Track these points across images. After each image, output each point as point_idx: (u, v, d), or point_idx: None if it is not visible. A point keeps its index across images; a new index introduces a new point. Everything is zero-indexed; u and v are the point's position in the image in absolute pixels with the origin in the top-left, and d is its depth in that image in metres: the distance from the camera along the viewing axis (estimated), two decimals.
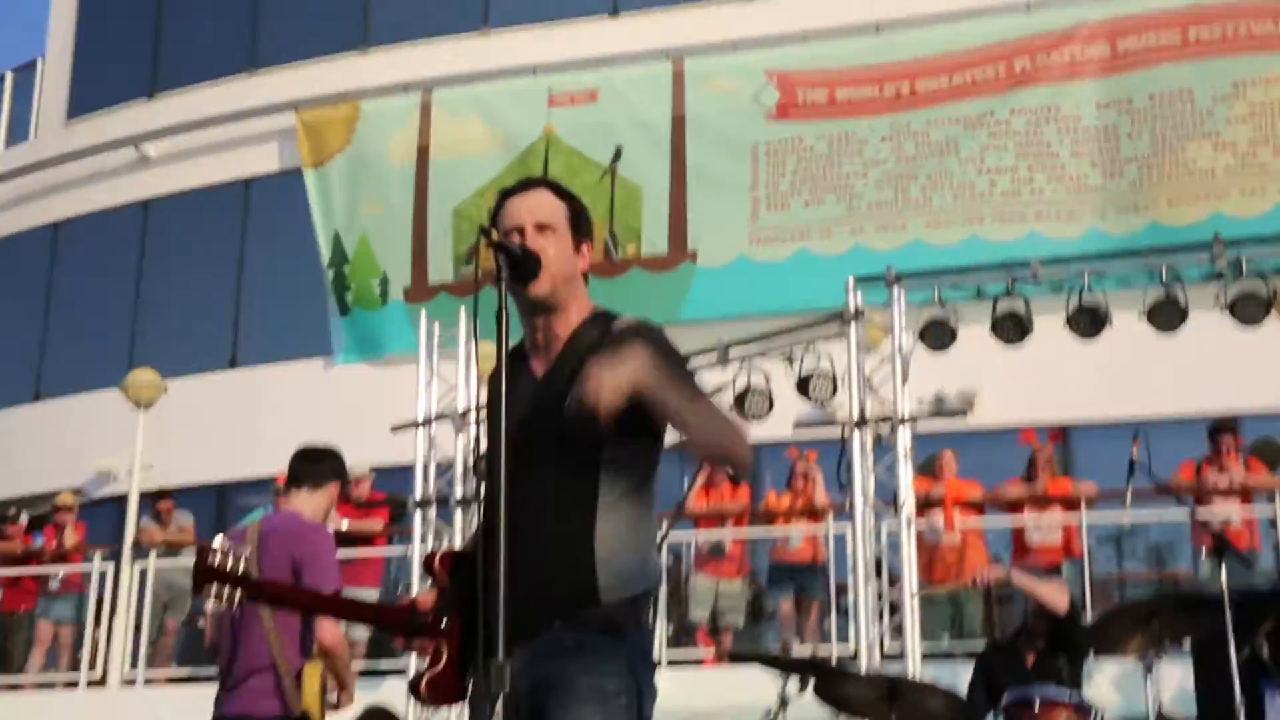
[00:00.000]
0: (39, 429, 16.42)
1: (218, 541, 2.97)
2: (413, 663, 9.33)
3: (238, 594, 2.89)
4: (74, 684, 11.96)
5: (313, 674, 5.17)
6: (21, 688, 12.27)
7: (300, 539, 5.22)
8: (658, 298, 13.51)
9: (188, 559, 12.63)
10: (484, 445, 2.86)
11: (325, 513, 5.45)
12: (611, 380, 2.80)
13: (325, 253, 15.40)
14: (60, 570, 12.39)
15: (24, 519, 12.94)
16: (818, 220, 13.94)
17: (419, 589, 8.61)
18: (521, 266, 2.98)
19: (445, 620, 3.01)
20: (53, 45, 18.45)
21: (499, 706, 2.64)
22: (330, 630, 5.27)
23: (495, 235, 2.90)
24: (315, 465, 5.53)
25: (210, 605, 2.89)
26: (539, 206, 3.11)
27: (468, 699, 2.91)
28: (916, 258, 12.14)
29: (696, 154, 14.47)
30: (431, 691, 2.99)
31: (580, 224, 3.15)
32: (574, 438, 2.96)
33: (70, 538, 12.56)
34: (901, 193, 13.80)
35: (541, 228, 3.08)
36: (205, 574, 2.90)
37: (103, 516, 14.21)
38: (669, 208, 14.42)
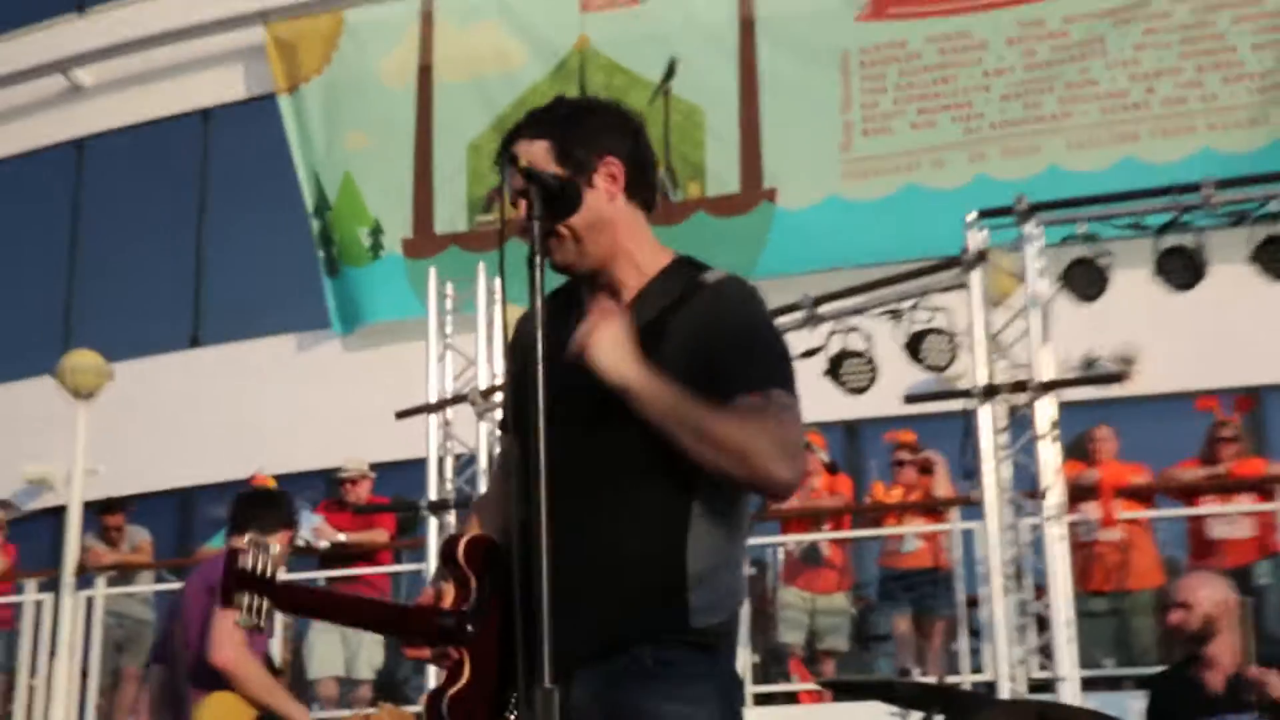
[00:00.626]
0: None
1: (246, 538, 2.99)
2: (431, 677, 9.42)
3: (265, 606, 2.88)
4: None
5: (215, 707, 5.31)
6: None
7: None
8: (729, 248, 13.54)
9: (145, 585, 12.77)
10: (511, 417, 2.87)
11: None
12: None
13: (309, 199, 15.51)
14: None
15: None
16: (928, 146, 13.94)
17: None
18: (558, 200, 2.95)
19: (472, 626, 3.00)
20: None
21: None
22: (223, 651, 5.51)
23: (523, 161, 2.89)
24: (262, 512, 5.85)
25: (238, 620, 2.90)
26: (516, 165, 3.03)
27: None
28: (1054, 188, 12.06)
29: (771, 66, 14.48)
30: (455, 714, 2.96)
31: (571, 152, 3.06)
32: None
33: None
34: (1033, 108, 13.77)
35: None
36: (240, 579, 2.88)
37: (36, 535, 14.40)
38: (739, 135, 14.45)
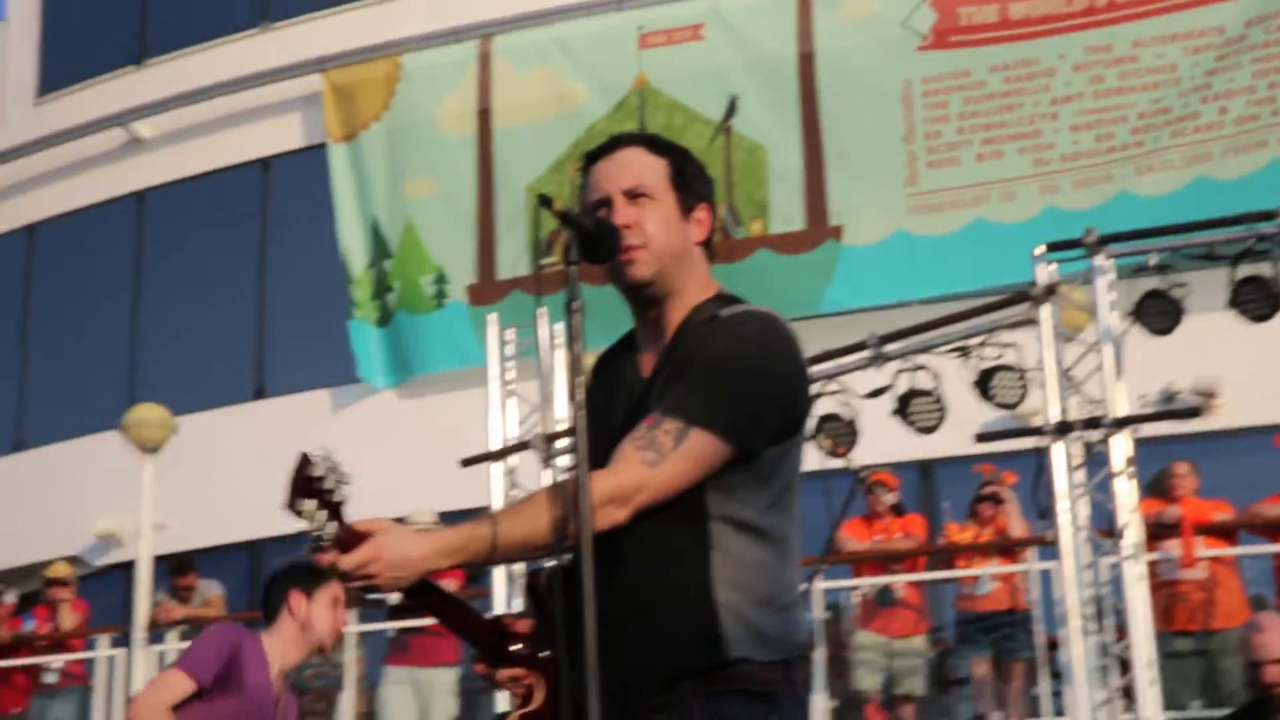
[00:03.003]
0: (22, 486, 16.83)
1: (320, 450, 2.96)
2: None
3: (330, 527, 2.89)
4: None
5: None
6: None
7: None
8: (793, 285, 13.54)
9: None
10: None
11: (289, 652, 5.59)
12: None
13: (358, 247, 15.58)
14: (58, 660, 12.66)
15: (10, 598, 13.24)
16: (996, 179, 13.87)
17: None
18: (597, 242, 2.99)
19: (545, 652, 3.05)
20: (14, 9, 18.94)
21: None
22: (140, 707, 5.29)
23: (558, 205, 2.93)
24: (267, 598, 5.70)
25: (303, 525, 2.89)
26: (627, 168, 3.14)
27: None
28: (1124, 216, 12.02)
29: (832, 100, 14.48)
30: None
31: (687, 181, 3.17)
32: None
33: (68, 618, 12.82)
34: (1105, 139, 13.66)
35: (633, 195, 3.12)
36: (303, 486, 2.90)
37: (107, 590, 14.52)
38: (802, 172, 14.45)
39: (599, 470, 2.90)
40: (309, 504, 2.88)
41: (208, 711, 5.33)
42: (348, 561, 2.84)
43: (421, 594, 2.99)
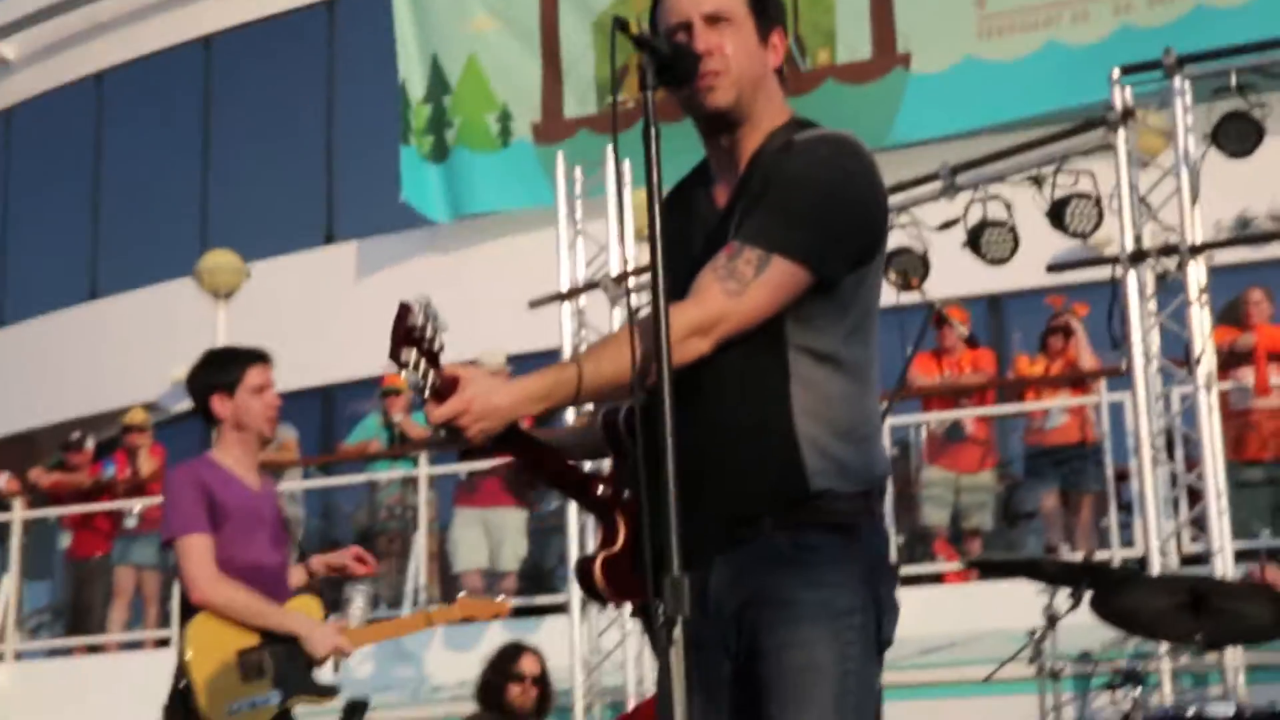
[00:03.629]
0: (98, 334, 17.05)
1: (418, 299, 2.92)
2: (575, 590, 9.54)
3: (431, 376, 2.84)
4: (165, 642, 12.46)
5: (200, 630, 5.27)
6: (104, 649, 12.86)
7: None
8: (861, 116, 13.36)
9: (293, 482, 13.03)
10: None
11: (241, 455, 5.50)
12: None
13: (417, 81, 15.44)
14: (137, 504, 12.84)
15: (89, 445, 13.46)
16: None
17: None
18: (674, 68, 2.97)
19: (626, 492, 3.07)
20: None
21: (678, 633, 2.67)
22: (198, 590, 5.27)
23: (634, 28, 2.87)
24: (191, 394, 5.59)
25: (403, 375, 2.86)
26: None
27: (649, 620, 2.92)
28: (1200, 33, 11.75)
29: None
30: (608, 578, 3.03)
31: (765, 6, 3.13)
32: None
33: (147, 464, 13.01)
34: None
35: (713, 20, 3.06)
36: (405, 335, 2.85)
37: (184, 436, 14.69)
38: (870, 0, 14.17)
39: (680, 302, 2.88)
40: (411, 353, 2.84)
41: (220, 548, 5.34)
42: (438, 415, 2.81)
43: (509, 441, 2.98)
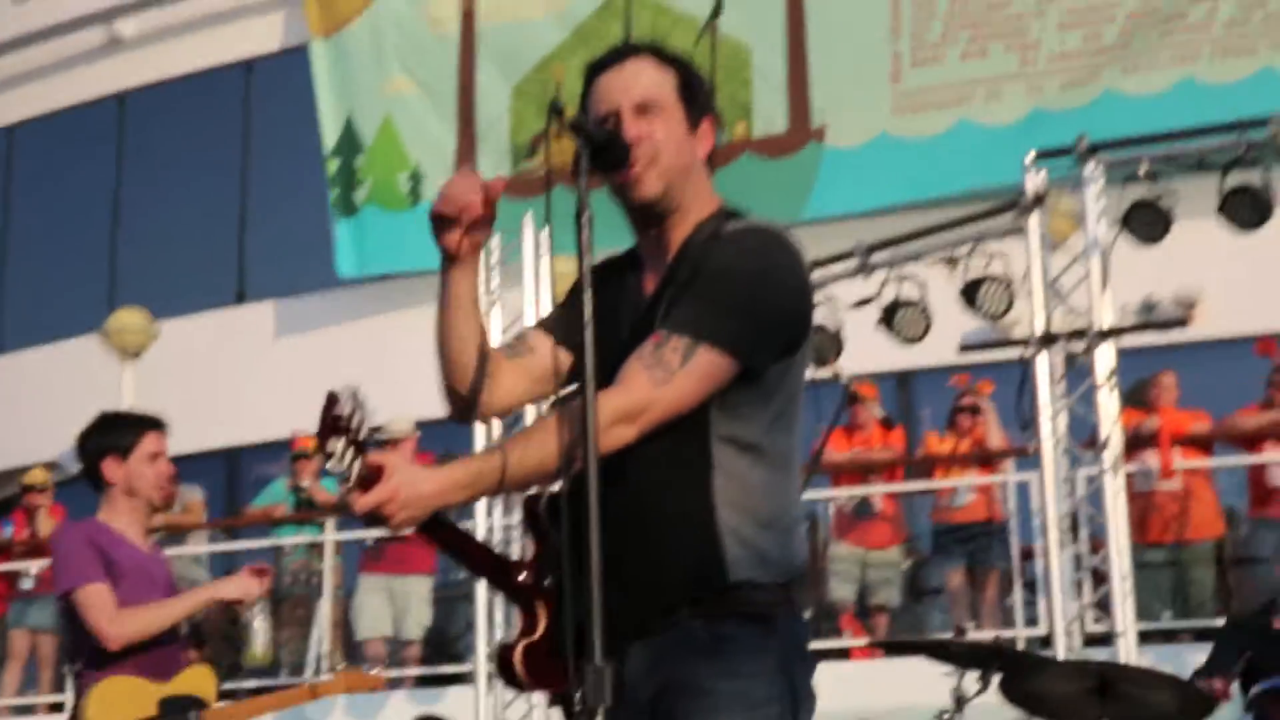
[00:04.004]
0: (0, 390, 16.75)
1: (346, 388, 2.92)
2: (481, 659, 9.47)
3: (356, 466, 2.82)
4: (59, 707, 12.26)
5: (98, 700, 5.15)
6: None
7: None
8: (776, 191, 13.42)
9: (196, 545, 12.87)
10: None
11: (130, 522, 5.42)
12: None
13: (330, 140, 15.45)
14: (34, 565, 12.66)
15: None
16: (982, 78, 13.72)
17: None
18: (605, 154, 2.97)
19: (548, 579, 3.07)
20: None
21: None
22: (110, 632, 5.18)
23: (570, 114, 2.89)
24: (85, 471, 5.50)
25: (329, 465, 2.84)
26: (637, 81, 3.09)
27: (568, 708, 2.94)
28: (1110, 116, 11.96)
29: None
30: (528, 666, 3.02)
31: (695, 95, 3.14)
32: None
33: (46, 524, 12.77)
34: (1093, 40, 13.48)
35: (643, 108, 3.07)
36: (331, 425, 2.84)
37: (86, 496, 14.48)
38: (786, 73, 14.30)
39: (606, 390, 2.86)
40: (339, 443, 2.82)
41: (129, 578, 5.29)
42: (363, 504, 2.79)
43: (432, 528, 2.99)
